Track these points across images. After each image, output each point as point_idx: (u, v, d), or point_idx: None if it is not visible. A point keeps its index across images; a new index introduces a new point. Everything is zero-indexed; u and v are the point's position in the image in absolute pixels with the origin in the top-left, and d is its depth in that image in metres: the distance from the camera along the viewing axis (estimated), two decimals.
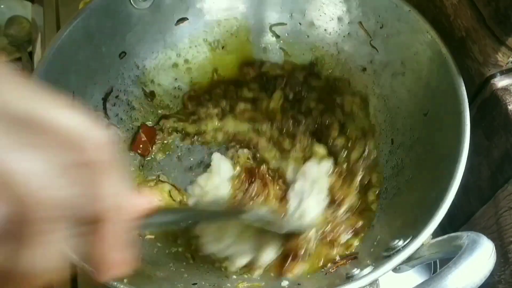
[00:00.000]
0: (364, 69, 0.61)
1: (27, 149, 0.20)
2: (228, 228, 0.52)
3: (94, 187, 0.22)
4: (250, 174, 0.59)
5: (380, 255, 0.41)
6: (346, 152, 0.58)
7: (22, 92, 0.22)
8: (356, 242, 0.52)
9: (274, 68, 0.66)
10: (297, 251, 0.51)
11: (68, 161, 0.21)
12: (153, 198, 0.27)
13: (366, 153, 0.57)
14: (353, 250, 0.51)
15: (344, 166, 0.57)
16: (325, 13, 0.62)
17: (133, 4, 0.58)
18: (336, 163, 0.58)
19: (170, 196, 0.58)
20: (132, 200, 0.25)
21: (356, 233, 0.52)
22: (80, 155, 0.22)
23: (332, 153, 0.58)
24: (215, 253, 0.52)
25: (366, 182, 0.56)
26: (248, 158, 0.61)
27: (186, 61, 0.65)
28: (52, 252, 0.20)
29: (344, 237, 0.52)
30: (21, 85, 0.22)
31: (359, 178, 0.56)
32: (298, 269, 0.50)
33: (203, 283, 0.47)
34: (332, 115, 0.61)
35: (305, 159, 0.59)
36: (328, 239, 0.52)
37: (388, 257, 0.39)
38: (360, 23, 0.59)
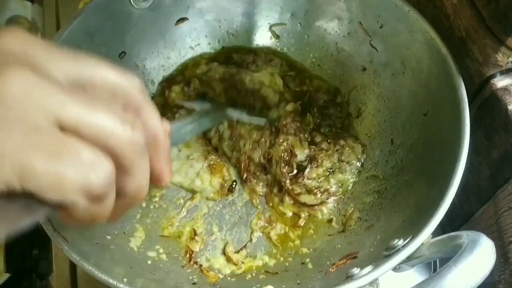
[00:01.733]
0: (364, 69, 0.61)
1: (96, 106, 0.25)
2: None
3: (145, 120, 0.29)
4: None
5: (380, 254, 0.41)
6: None
7: (63, 57, 0.28)
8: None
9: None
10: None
11: (119, 107, 0.27)
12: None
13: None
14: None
15: None
16: (325, 13, 0.62)
17: (133, 4, 0.58)
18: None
19: None
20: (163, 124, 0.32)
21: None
22: (126, 100, 0.29)
23: None
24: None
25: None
26: None
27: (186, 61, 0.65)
28: (144, 175, 0.28)
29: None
30: (60, 52, 0.28)
31: None
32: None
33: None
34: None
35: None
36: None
37: (388, 257, 0.39)
38: (360, 23, 0.59)
